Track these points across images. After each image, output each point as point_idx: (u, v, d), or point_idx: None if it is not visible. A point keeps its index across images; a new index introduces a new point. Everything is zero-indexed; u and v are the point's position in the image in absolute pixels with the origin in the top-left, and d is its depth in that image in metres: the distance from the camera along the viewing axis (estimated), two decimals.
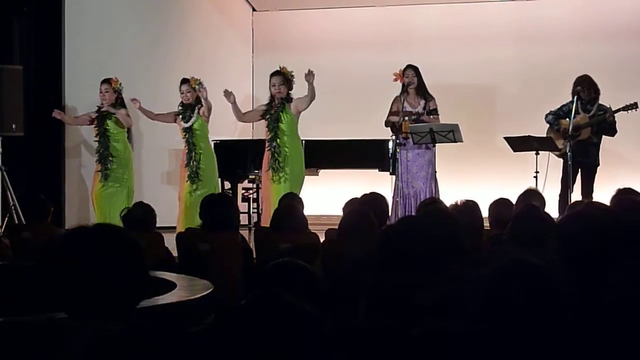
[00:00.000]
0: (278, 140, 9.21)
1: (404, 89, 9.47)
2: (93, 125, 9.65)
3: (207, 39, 12.27)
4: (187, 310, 3.71)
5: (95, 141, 9.63)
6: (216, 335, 2.07)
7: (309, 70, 9.07)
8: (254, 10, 13.30)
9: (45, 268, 2.39)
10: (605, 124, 9.23)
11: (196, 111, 9.59)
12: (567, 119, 9.40)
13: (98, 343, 2.24)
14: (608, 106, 9.25)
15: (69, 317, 2.35)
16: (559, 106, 9.56)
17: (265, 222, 8.45)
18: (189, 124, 9.58)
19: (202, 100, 9.52)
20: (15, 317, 3.07)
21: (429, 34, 12.37)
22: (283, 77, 9.26)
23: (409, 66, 9.54)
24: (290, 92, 9.28)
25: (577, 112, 9.37)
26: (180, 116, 9.64)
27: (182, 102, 9.63)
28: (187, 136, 9.61)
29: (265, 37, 13.16)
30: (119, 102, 9.67)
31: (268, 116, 9.27)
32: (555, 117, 9.49)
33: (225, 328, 2.04)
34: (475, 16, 12.38)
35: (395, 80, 9.52)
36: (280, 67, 9.35)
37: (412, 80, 9.45)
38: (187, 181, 9.59)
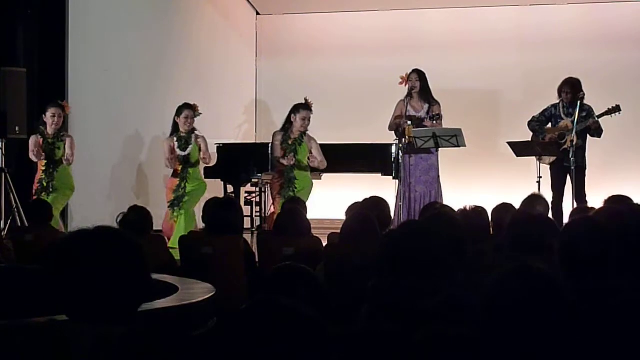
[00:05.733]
0: (295, 171, 9.27)
1: (409, 93, 9.49)
2: (41, 151, 9.31)
3: (211, 43, 12.28)
4: (189, 314, 3.70)
5: (43, 170, 9.34)
6: (218, 339, 2.06)
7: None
8: (258, 14, 13.31)
9: (47, 271, 2.39)
10: (588, 130, 9.24)
11: (193, 139, 9.60)
12: (550, 125, 9.43)
13: (100, 346, 2.23)
14: (589, 106, 9.25)
15: (70, 321, 2.34)
16: (540, 111, 9.57)
17: None
18: (187, 151, 9.59)
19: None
20: (17, 320, 3.06)
21: (432, 39, 12.39)
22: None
23: (414, 70, 9.56)
24: None
25: (560, 117, 9.39)
26: (177, 143, 9.64)
27: (177, 125, 9.63)
28: (183, 164, 9.63)
29: (269, 41, 13.18)
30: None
31: (285, 145, 9.34)
32: (540, 124, 9.49)
33: (227, 332, 2.03)
34: (478, 22, 12.39)
35: (401, 83, 9.52)
36: (307, 101, 9.46)
37: (415, 85, 9.45)
38: (168, 205, 9.63)
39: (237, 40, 12.91)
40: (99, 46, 10.61)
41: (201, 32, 12.14)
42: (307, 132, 9.40)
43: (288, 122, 9.41)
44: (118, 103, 10.78)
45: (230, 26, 12.85)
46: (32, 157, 9.40)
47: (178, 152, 9.61)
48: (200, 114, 9.68)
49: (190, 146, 9.61)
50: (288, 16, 13.24)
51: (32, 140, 9.43)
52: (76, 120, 10.22)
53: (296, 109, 9.38)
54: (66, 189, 9.45)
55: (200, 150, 9.68)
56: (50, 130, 9.38)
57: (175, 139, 9.62)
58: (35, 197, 9.25)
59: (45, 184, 9.35)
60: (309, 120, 9.35)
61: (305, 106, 9.39)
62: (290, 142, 9.34)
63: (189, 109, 9.64)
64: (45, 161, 9.38)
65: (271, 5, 13.19)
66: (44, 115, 9.40)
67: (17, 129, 9.75)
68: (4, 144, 9.82)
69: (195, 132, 9.66)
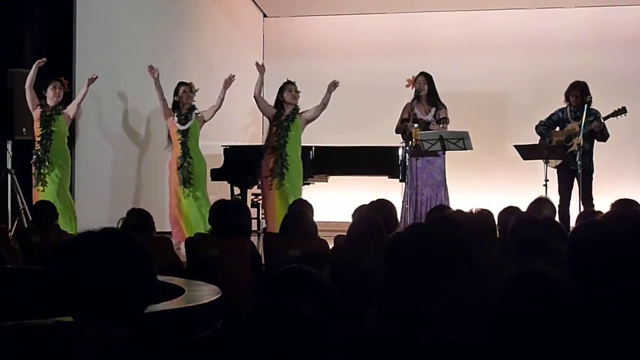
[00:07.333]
0: (287, 147, 9.29)
1: (415, 96, 9.48)
2: (38, 125, 9.45)
3: (218, 45, 12.28)
4: (195, 316, 3.69)
5: (38, 142, 9.46)
6: (223, 342, 2.06)
7: (335, 81, 9.34)
8: (265, 16, 13.32)
9: (52, 272, 2.39)
10: (594, 133, 9.23)
11: (193, 116, 9.62)
12: (558, 129, 9.42)
13: (105, 348, 2.23)
14: (596, 110, 9.24)
15: (76, 322, 2.34)
16: (547, 115, 9.55)
17: (273, 230, 8.48)
18: (186, 126, 9.61)
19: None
20: (23, 321, 3.06)
21: (439, 42, 12.38)
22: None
23: (421, 73, 9.56)
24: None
25: (567, 121, 9.38)
26: (176, 118, 9.65)
27: (177, 103, 9.67)
28: (182, 139, 9.62)
29: (275, 43, 13.18)
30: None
31: (277, 122, 9.37)
32: (547, 128, 9.48)
33: (232, 335, 2.03)
34: (485, 25, 12.38)
35: (408, 86, 9.52)
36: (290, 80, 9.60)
37: (422, 87, 9.45)
38: (180, 185, 9.58)
39: (244, 42, 12.91)
40: (106, 48, 10.62)
41: (207, 33, 12.15)
42: (299, 111, 9.46)
43: (278, 103, 9.52)
44: (124, 105, 10.79)
45: (236, 28, 12.85)
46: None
47: (178, 126, 9.64)
48: (197, 89, 9.74)
49: (190, 121, 9.64)
50: (295, 18, 13.24)
51: (37, 112, 9.50)
52: (82, 122, 10.25)
53: (280, 89, 9.58)
54: (62, 162, 9.47)
55: (200, 128, 9.72)
56: (50, 103, 9.50)
57: (175, 113, 9.66)
58: (34, 170, 9.35)
59: (40, 155, 9.39)
60: (297, 91, 9.51)
61: (286, 82, 9.56)
62: (282, 119, 9.40)
63: (185, 85, 9.71)
64: (41, 131, 9.42)
65: (278, 8, 13.20)
66: (44, 91, 9.52)
67: (24, 130, 9.79)
68: (11, 145, 9.85)
69: (195, 110, 9.69)
